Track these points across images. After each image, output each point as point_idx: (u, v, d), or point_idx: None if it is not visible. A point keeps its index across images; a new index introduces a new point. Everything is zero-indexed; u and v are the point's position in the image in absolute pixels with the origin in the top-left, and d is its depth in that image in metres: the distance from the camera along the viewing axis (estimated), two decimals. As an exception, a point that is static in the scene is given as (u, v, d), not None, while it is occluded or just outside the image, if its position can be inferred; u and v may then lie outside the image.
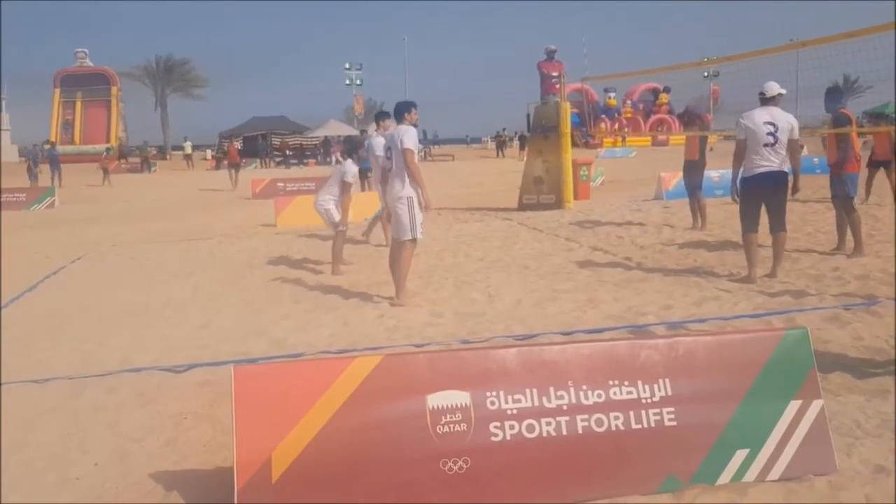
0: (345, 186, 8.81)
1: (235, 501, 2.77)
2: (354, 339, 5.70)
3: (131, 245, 11.96)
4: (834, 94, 8.50)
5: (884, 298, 6.21)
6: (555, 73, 15.09)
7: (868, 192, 13.16)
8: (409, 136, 6.60)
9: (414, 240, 6.73)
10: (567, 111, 14.88)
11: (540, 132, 15.45)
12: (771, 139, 7.07)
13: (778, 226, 7.34)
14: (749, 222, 7.33)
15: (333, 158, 44.11)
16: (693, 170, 11.54)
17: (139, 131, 68.00)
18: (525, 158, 17.25)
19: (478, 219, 14.08)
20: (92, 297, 7.88)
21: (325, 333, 5.90)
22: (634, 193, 17.61)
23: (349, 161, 8.98)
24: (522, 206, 15.31)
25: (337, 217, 8.84)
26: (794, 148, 7.34)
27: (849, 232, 8.53)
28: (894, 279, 6.92)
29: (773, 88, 7.31)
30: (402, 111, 6.83)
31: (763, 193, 7.20)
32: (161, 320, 6.67)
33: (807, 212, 12.34)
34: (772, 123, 7.11)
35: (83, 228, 15.06)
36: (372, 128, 11.68)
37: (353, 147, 9.65)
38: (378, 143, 10.63)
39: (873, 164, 12.91)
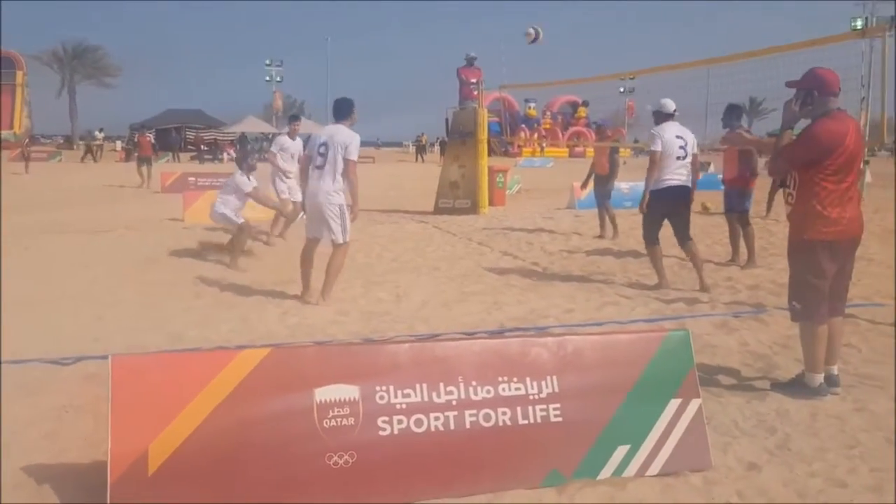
0: (254, 195, 9.15)
1: (108, 495, 2.68)
2: (254, 335, 5.60)
3: (28, 235, 11.39)
4: (734, 111, 8.89)
5: (771, 308, 6.53)
6: (473, 80, 15.25)
7: (769, 207, 13.83)
8: (354, 146, 6.41)
9: (345, 243, 6.60)
10: (484, 117, 15.06)
11: (457, 137, 15.57)
12: (682, 153, 7.32)
13: (685, 237, 7.54)
14: (654, 233, 7.53)
15: (225, 156, 43.39)
16: (603, 182, 11.89)
17: (45, 119, 64.89)
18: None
19: (393, 221, 14.05)
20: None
21: (224, 329, 5.77)
22: (548, 202, 17.94)
23: (238, 173, 9.22)
24: (438, 210, 15.38)
25: (236, 220, 9.00)
26: (695, 163, 7.64)
27: (742, 244, 8.94)
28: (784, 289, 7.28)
29: (671, 105, 7.61)
30: (344, 110, 6.58)
31: (672, 206, 7.39)
32: (54, 312, 6.37)
33: (707, 224, 12.85)
34: (682, 138, 7.38)
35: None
36: (286, 130, 11.61)
37: (243, 156, 9.59)
38: (287, 143, 10.99)
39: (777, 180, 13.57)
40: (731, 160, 9.13)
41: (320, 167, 6.45)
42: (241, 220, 9.02)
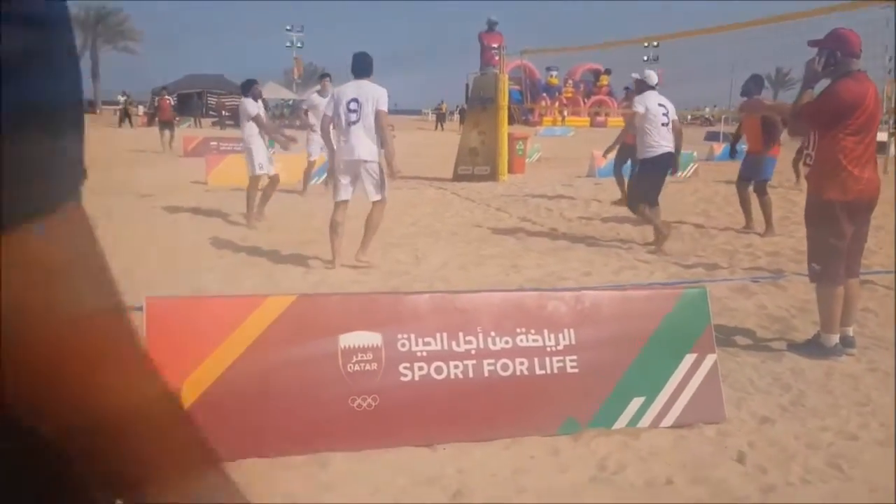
0: (258, 120, 8.87)
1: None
2: (277, 291, 5.70)
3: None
4: (754, 80, 8.88)
5: (790, 273, 6.54)
6: (495, 45, 15.15)
7: (798, 174, 13.62)
8: (385, 98, 6.26)
9: (384, 200, 6.53)
10: (505, 83, 14.99)
11: (477, 104, 15.52)
12: (665, 119, 7.68)
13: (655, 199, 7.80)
14: (656, 196, 7.76)
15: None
16: (629, 151, 11.76)
17: (67, 83, 65.00)
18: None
19: (411, 187, 14.07)
20: None
21: (247, 285, 5.89)
22: (568, 170, 17.89)
23: (244, 99, 9.14)
24: (457, 177, 15.38)
25: (254, 161, 8.88)
26: (676, 128, 7.93)
27: (759, 213, 8.91)
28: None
29: (654, 77, 8.09)
30: (365, 65, 6.41)
31: (665, 171, 7.72)
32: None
33: (730, 193, 12.79)
34: (663, 105, 7.76)
35: None
36: (317, 87, 11.77)
37: (246, 87, 9.36)
38: (318, 100, 10.94)
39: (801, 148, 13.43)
40: (752, 128, 9.08)
41: (353, 123, 6.22)
42: (256, 172, 8.91)
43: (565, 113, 55.06)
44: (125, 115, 43.34)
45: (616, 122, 57.12)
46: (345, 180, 6.44)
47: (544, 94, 56.30)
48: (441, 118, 52.68)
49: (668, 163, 7.68)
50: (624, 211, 10.75)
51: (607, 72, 60.23)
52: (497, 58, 15.16)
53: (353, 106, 6.21)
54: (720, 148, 25.13)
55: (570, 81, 60.79)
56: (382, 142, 6.29)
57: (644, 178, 7.75)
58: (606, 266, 6.99)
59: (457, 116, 49.18)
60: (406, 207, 11.05)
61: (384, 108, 6.24)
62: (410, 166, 19.08)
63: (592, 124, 56.07)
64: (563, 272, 6.63)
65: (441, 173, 16.65)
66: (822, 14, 8.31)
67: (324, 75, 12.33)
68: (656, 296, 3.57)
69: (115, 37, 62.85)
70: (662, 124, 7.65)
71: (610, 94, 61.39)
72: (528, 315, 3.34)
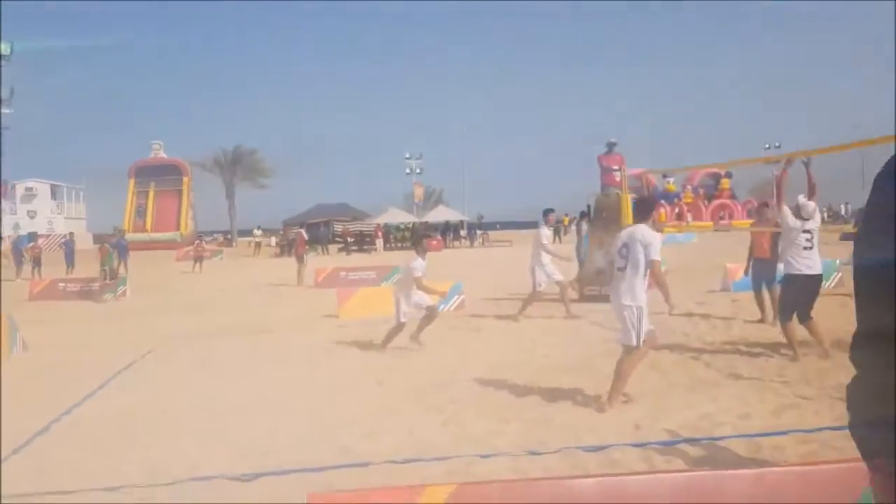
0: (419, 282, 9.95)
1: None
2: (419, 448, 5.61)
3: (199, 339, 12.19)
4: None
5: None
6: (615, 167, 15.17)
7: None
8: (656, 245, 6.37)
9: (638, 347, 6.51)
10: (628, 203, 14.83)
11: (601, 224, 15.42)
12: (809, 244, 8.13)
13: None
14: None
15: (378, 244, 45.69)
16: (765, 265, 11.22)
17: (206, 217, 70.56)
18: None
19: (540, 311, 13.96)
20: (161, 396, 8.00)
21: (390, 441, 5.83)
22: (698, 284, 17.22)
23: (413, 258, 10.27)
24: (585, 298, 15.13)
25: (400, 309, 9.98)
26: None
27: None
28: None
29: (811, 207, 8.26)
30: (644, 210, 6.79)
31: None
32: (228, 424, 6.71)
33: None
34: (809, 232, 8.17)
35: (154, 319, 15.46)
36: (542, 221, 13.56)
37: (418, 240, 10.55)
38: (546, 232, 13.11)
39: None
40: None
41: (621, 269, 6.46)
42: (401, 320, 10.03)
43: (689, 218, 53.92)
44: (258, 247, 46.74)
45: (740, 223, 55.35)
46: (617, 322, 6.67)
47: (662, 202, 55.58)
48: (557, 231, 52.84)
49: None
50: (770, 333, 10.14)
51: (728, 175, 58.95)
52: (619, 179, 15.13)
53: (622, 252, 6.49)
54: (861, 250, 23.76)
55: (689, 187, 59.90)
56: (658, 286, 6.54)
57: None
58: (763, 404, 6.50)
59: (573, 227, 49.08)
60: (538, 335, 10.91)
61: (654, 256, 6.33)
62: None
63: (715, 228, 54.56)
64: (716, 415, 6.20)
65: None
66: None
67: (548, 210, 13.76)
68: (850, 472, 3.21)
69: (251, 174, 67.75)
70: (804, 248, 8.10)
71: (732, 197, 59.89)
72: (704, 497, 3.06)
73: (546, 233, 13.16)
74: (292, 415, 6.86)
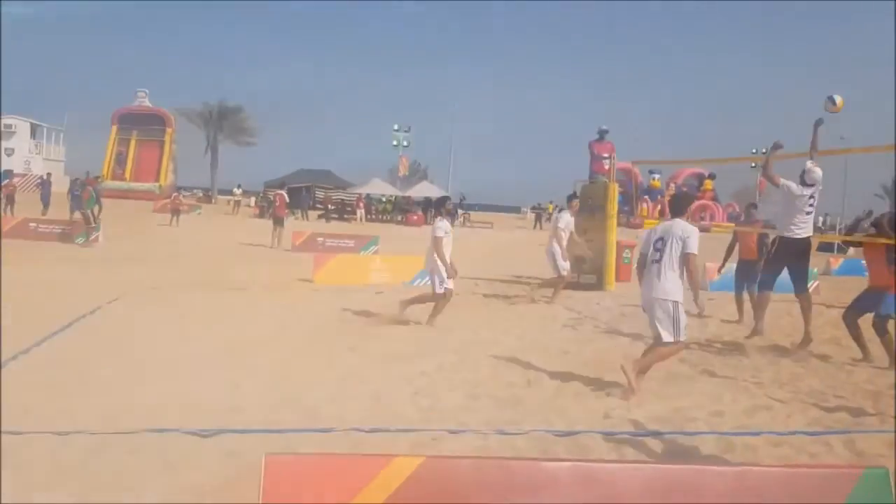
0: (435, 241, 9.23)
1: None
2: (386, 417, 5.46)
3: (168, 291, 11.93)
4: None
5: (951, 425, 5.80)
6: (605, 154, 15.04)
7: None
8: (694, 239, 6.34)
9: (677, 341, 6.46)
10: (615, 192, 14.75)
11: (586, 211, 15.29)
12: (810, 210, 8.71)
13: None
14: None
15: (359, 213, 45.34)
16: (749, 266, 11.16)
17: (187, 173, 69.47)
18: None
19: (516, 292, 13.86)
20: (124, 344, 7.78)
21: (356, 407, 5.67)
22: (677, 280, 17.24)
23: (438, 219, 9.62)
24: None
25: (438, 286, 9.35)
26: None
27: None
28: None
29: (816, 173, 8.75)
30: (681, 205, 6.86)
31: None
32: (190, 377, 6.51)
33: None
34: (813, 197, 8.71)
35: (124, 269, 15.13)
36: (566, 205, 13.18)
37: (440, 204, 10.14)
38: (565, 218, 12.46)
39: None
40: (875, 260, 8.39)
41: (657, 261, 6.41)
42: (439, 290, 9.40)
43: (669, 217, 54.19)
44: (237, 206, 46.29)
45: (720, 228, 55.75)
46: (647, 316, 6.61)
47: (646, 197, 55.79)
48: (539, 217, 52.80)
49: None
50: (745, 334, 10.09)
51: (711, 176, 59.37)
52: (607, 166, 15.01)
53: (658, 245, 6.44)
54: (838, 261, 23.86)
55: (673, 185, 60.11)
56: (689, 282, 6.40)
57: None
58: (736, 403, 6.42)
59: (555, 215, 48.94)
60: (513, 317, 10.80)
61: (691, 249, 6.29)
62: (513, 269, 18.97)
63: (703, 229, 54.85)
64: (689, 409, 6.10)
65: (544, 277, 16.35)
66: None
67: (573, 196, 13.56)
68: (832, 477, 3.10)
69: (235, 132, 66.74)
70: (806, 213, 8.68)
71: (714, 199, 60.25)
72: (683, 492, 2.94)
73: (566, 219, 12.57)
74: (257, 373, 6.68)
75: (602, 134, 15.46)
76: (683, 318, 6.42)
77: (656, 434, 5.35)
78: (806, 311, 8.81)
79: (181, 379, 6.40)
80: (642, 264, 6.65)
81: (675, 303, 6.32)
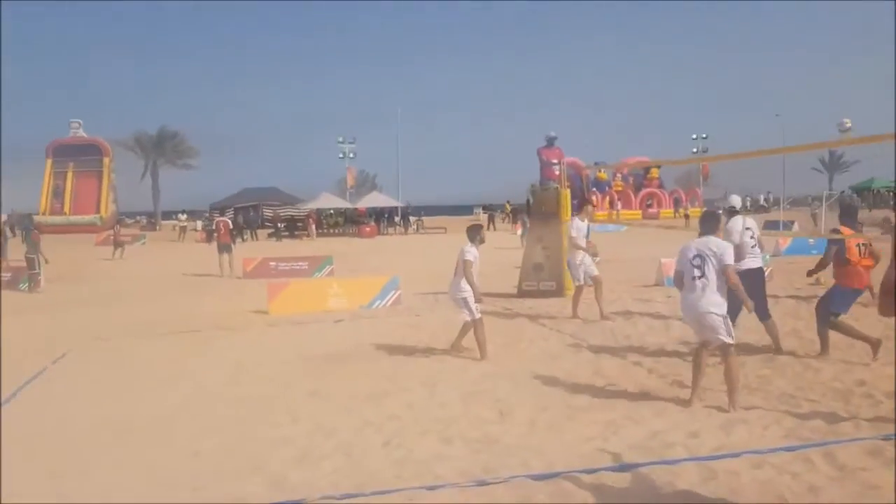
0: (465, 265, 9.07)
1: None
2: (358, 477, 5.22)
3: (118, 339, 11.45)
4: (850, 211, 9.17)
5: (925, 425, 5.80)
6: (554, 161, 15.03)
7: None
8: (729, 252, 6.71)
9: (732, 345, 6.74)
10: (567, 198, 14.71)
11: (540, 218, 15.25)
12: (753, 241, 8.83)
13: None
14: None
15: (313, 230, 44.66)
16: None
17: (129, 200, 67.72)
18: (518, 232, 17.06)
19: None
20: (73, 410, 7.35)
21: (327, 468, 5.41)
22: (633, 277, 17.31)
23: (468, 244, 9.29)
24: (522, 293, 14.96)
25: (467, 311, 9.14)
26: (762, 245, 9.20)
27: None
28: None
29: (738, 202, 9.47)
30: (711, 223, 7.06)
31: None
32: (147, 444, 6.17)
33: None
34: (750, 229, 8.88)
35: (70, 314, 14.53)
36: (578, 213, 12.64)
37: (474, 234, 9.60)
38: (579, 225, 12.06)
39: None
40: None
41: (698, 277, 6.70)
42: (476, 316, 9.15)
43: (618, 207, 54.77)
44: (183, 231, 45.52)
45: (668, 212, 56.63)
46: (697, 329, 6.98)
47: (594, 189, 56.28)
48: (492, 218, 52.89)
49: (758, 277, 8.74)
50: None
51: (657, 165, 60.20)
52: (558, 172, 14.96)
53: (696, 262, 6.74)
54: (786, 241, 24.26)
55: (619, 175, 60.84)
56: (736, 292, 6.77)
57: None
58: (711, 418, 6.34)
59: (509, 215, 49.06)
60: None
61: (728, 261, 6.65)
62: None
63: (644, 217, 55.63)
64: (665, 432, 5.99)
65: (502, 285, 16.22)
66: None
67: (585, 202, 13.20)
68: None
69: (175, 156, 65.45)
70: (751, 246, 8.77)
71: (660, 186, 61.19)
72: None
73: (579, 225, 12.13)
74: (218, 435, 6.36)
75: (550, 140, 15.56)
76: (730, 322, 6.78)
77: (636, 466, 5.22)
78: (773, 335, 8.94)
79: (135, 447, 6.07)
80: (680, 279, 7.00)
81: (723, 315, 6.68)
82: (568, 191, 14.91)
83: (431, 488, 4.90)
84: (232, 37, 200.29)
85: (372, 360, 9.27)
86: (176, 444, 6.14)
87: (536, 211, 15.57)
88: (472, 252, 9.19)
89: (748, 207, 51.41)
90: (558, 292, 14.42)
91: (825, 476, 4.94)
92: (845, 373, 7.73)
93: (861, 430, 5.89)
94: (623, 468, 5.18)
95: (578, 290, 12.11)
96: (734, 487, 4.79)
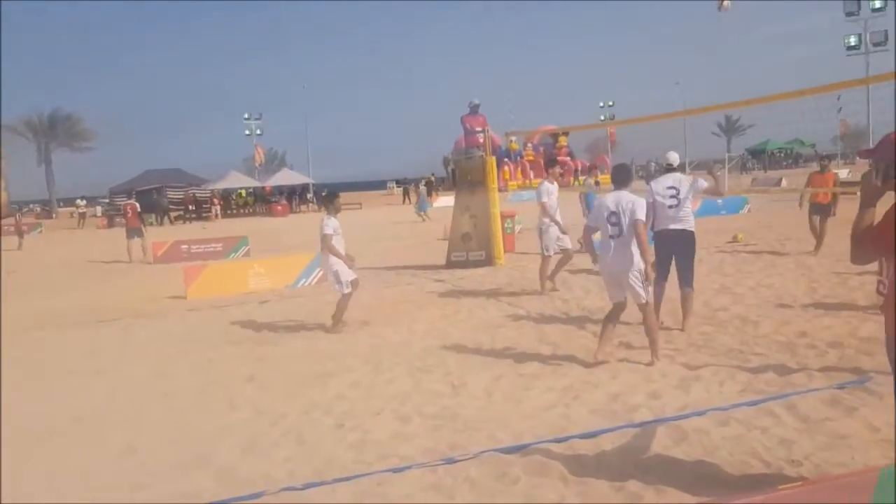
0: (324, 239, 8.87)
1: None
2: (316, 463, 4.86)
3: (29, 332, 10.58)
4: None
5: (873, 373, 5.88)
6: (478, 128, 14.77)
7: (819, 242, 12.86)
8: (640, 206, 6.63)
9: (648, 302, 6.79)
10: (493, 165, 14.50)
11: (466, 187, 15.00)
12: (673, 202, 7.86)
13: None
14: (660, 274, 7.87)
15: (215, 212, 43.31)
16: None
17: (21, 188, 63.85)
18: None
19: (407, 281, 13.38)
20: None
21: (280, 457, 5.02)
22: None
23: (326, 217, 9.08)
24: (451, 264, 14.73)
25: (338, 284, 9.11)
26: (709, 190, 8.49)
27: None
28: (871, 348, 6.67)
29: (675, 158, 8.38)
30: (624, 176, 6.99)
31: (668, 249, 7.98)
32: (75, 445, 5.61)
33: (730, 257, 12.32)
34: (674, 187, 7.90)
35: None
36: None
37: (329, 201, 9.37)
38: (549, 189, 11.06)
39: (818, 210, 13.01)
40: None
41: (614, 236, 6.66)
42: (345, 290, 9.10)
43: (531, 176, 55.19)
44: (83, 218, 43.12)
45: (578, 181, 57.44)
46: (612, 287, 6.93)
47: (506, 160, 56.53)
48: (406, 192, 52.43)
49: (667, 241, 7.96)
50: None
51: (565, 133, 60.98)
52: (482, 140, 14.73)
53: (612, 220, 6.66)
54: (696, 203, 24.90)
55: (530, 145, 61.26)
56: (640, 250, 6.59)
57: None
58: (666, 378, 6.28)
59: (423, 188, 48.78)
60: (413, 309, 10.35)
61: (640, 217, 6.56)
62: (397, 252, 18.48)
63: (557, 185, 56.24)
64: (626, 394, 5.88)
65: (429, 258, 16.00)
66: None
67: (552, 162, 12.66)
68: (853, 485, 2.85)
69: (69, 139, 61.86)
70: (669, 207, 7.87)
71: (570, 154, 62.04)
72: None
73: (549, 189, 11.03)
74: (154, 429, 5.86)
75: (474, 108, 15.34)
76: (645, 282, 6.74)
77: (606, 431, 5.07)
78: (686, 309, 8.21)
79: (60, 450, 5.51)
80: (590, 234, 7.00)
81: (640, 270, 6.63)
82: (493, 158, 14.71)
83: (398, 471, 4.58)
84: (126, 8, 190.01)
85: (307, 340, 8.87)
86: (107, 442, 5.60)
87: (462, 180, 15.30)
88: (330, 224, 9.01)
89: (639, 175, 52.80)
90: (488, 262, 14.27)
91: (792, 429, 4.91)
92: (784, 325, 7.84)
93: (814, 380, 5.94)
94: (594, 434, 5.01)
95: (546, 260, 11.15)
96: (706, 446, 4.69)
